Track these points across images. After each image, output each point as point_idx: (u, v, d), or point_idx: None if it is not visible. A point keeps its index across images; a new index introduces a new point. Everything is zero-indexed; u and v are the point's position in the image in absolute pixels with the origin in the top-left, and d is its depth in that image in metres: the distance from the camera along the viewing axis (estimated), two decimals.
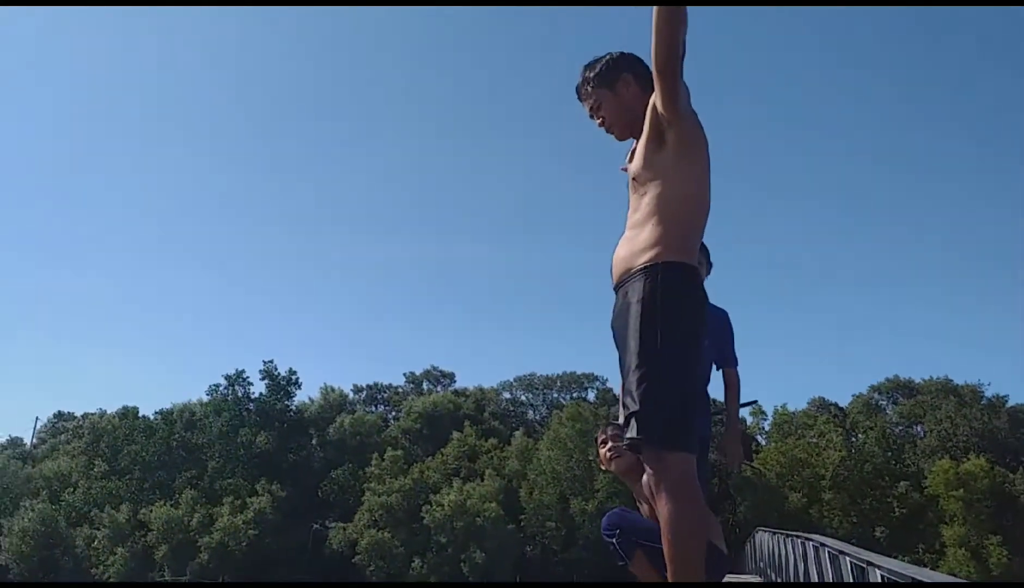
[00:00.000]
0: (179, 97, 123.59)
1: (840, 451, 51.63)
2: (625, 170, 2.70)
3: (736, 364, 4.51)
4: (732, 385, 4.48)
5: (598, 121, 2.75)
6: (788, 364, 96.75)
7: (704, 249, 4.25)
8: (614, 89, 2.69)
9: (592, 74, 2.74)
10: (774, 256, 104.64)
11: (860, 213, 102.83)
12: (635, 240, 2.51)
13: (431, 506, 50.10)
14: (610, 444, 3.72)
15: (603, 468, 3.82)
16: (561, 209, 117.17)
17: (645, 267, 2.43)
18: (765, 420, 61.03)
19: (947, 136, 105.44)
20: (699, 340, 2.44)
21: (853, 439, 56.24)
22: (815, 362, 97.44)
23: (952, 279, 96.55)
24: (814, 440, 54.37)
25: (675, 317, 2.36)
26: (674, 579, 2.29)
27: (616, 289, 2.59)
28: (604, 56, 2.76)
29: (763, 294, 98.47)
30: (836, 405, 61.71)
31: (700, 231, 2.54)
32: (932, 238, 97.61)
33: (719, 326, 4.41)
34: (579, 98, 2.81)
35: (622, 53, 2.75)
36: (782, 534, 15.06)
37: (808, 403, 61.70)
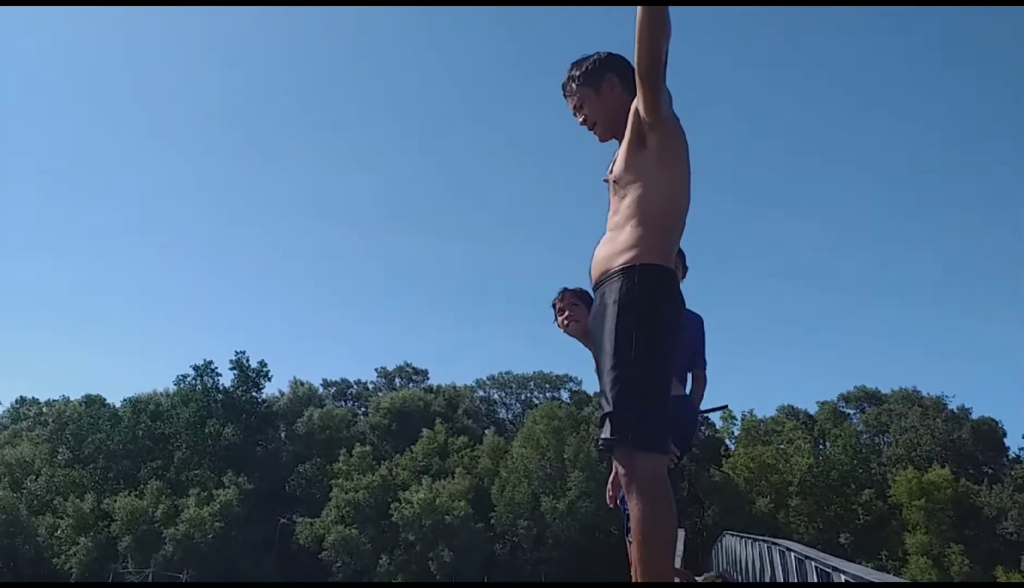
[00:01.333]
0: (151, 87, 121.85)
1: (808, 458, 52.31)
2: (607, 181, 2.70)
3: (705, 367, 4.62)
4: (699, 381, 4.60)
5: (580, 119, 2.75)
6: (758, 371, 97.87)
7: (680, 253, 4.29)
8: (598, 89, 2.69)
9: (578, 72, 2.74)
10: (745, 264, 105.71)
11: (836, 225, 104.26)
12: (614, 241, 2.52)
13: (400, 503, 49.93)
14: (567, 311, 3.81)
15: (563, 331, 3.87)
16: (540, 210, 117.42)
17: (623, 268, 2.43)
18: (735, 425, 61.60)
19: (918, 151, 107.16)
20: (674, 342, 2.44)
21: (821, 446, 56.99)
22: (784, 370, 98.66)
23: (921, 291, 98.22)
24: (782, 446, 55.03)
25: (651, 319, 2.36)
26: (642, 578, 2.29)
27: (594, 290, 2.61)
28: (592, 55, 2.75)
29: (734, 301, 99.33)
30: (805, 412, 62.48)
31: (678, 234, 2.55)
32: (904, 251, 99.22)
33: (693, 330, 4.49)
34: (564, 94, 2.81)
35: (609, 53, 2.74)
36: (749, 538, 15.15)
37: (777, 410, 62.49)
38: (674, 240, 2.52)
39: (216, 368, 61.14)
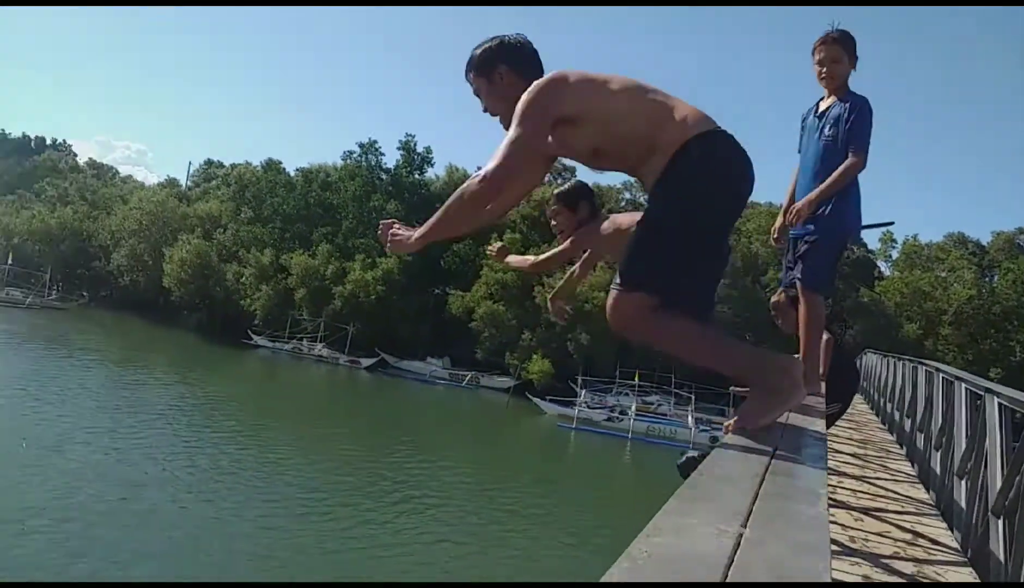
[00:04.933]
0: None
1: (969, 289, 49.67)
2: None
3: (861, 152, 3.97)
4: (852, 166, 3.98)
5: (483, 107, 2.70)
6: (928, 195, 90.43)
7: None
8: (490, 80, 2.63)
9: (471, 61, 2.67)
10: (924, 82, 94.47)
11: None
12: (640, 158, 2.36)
13: (543, 288, 52.44)
14: (552, 221, 4.16)
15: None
16: None
17: (672, 157, 2.23)
18: (894, 248, 58.64)
19: None
20: (715, 200, 2.25)
21: (987, 279, 53.72)
22: (958, 194, 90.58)
23: None
24: (943, 274, 52.34)
25: (685, 182, 2.21)
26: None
27: None
28: (486, 42, 2.67)
29: (905, 117, 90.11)
30: (976, 242, 58.35)
31: (685, 110, 2.29)
32: None
33: (843, 113, 4.06)
34: (467, 80, 2.73)
35: (501, 41, 2.65)
36: (893, 356, 15.02)
37: (944, 237, 58.66)
38: (683, 125, 2.24)
39: (380, 148, 64.20)
